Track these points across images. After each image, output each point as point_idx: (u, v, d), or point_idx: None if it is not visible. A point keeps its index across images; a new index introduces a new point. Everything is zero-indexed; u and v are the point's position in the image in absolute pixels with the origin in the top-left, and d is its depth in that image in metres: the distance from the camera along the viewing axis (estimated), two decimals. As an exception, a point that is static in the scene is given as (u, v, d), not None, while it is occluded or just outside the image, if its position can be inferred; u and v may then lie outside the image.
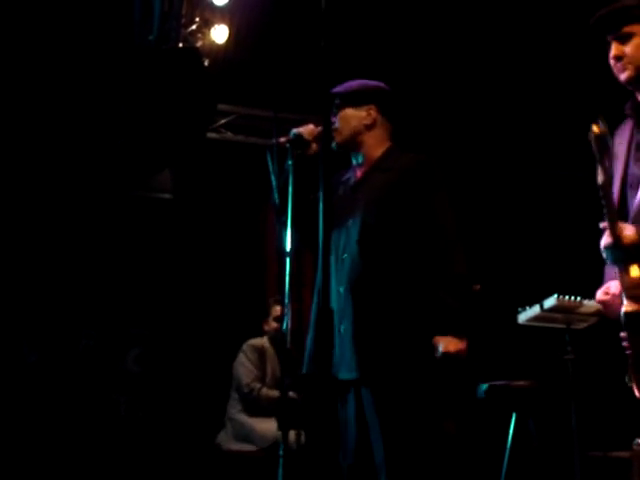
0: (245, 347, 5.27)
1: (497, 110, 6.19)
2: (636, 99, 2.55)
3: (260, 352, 5.22)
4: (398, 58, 5.51)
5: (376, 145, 3.13)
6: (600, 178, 2.33)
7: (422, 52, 5.57)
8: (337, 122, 3.12)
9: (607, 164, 2.36)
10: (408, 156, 3.09)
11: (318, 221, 2.96)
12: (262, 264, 6.30)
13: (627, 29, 2.50)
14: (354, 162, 3.19)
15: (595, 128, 2.35)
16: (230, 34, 5.33)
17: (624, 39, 2.50)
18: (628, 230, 2.32)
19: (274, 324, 5.21)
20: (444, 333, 2.77)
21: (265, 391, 5.05)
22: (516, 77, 5.80)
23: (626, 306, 2.31)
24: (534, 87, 5.87)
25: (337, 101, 3.14)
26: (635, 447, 5.61)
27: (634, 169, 2.49)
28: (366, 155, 3.13)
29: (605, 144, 2.36)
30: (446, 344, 2.76)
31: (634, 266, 2.32)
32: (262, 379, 5.14)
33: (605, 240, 2.34)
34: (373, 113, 3.12)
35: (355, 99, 3.13)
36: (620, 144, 2.58)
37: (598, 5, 2.60)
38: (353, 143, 3.13)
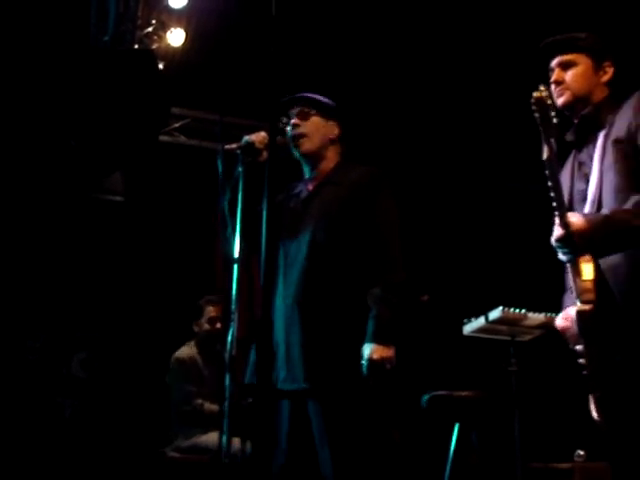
0: (174, 362, 5.07)
1: (445, 122, 6.25)
2: (573, 123, 2.65)
3: (190, 365, 5.02)
4: (347, 67, 5.54)
5: (332, 160, 3.16)
6: (545, 154, 2.41)
7: (370, 61, 5.60)
8: (305, 127, 3.11)
9: (551, 138, 2.44)
10: (358, 169, 3.12)
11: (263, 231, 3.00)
12: (212, 270, 6.26)
13: (570, 57, 2.63)
14: (306, 174, 3.20)
15: (536, 93, 2.45)
16: (187, 37, 5.31)
17: (566, 66, 2.63)
18: (575, 217, 2.37)
19: (207, 325, 5.05)
20: (372, 341, 2.80)
21: (207, 406, 4.88)
22: (464, 88, 5.86)
23: (578, 307, 2.36)
24: (481, 99, 5.94)
25: (306, 107, 3.14)
26: (576, 458, 5.72)
27: (578, 185, 2.57)
28: (321, 168, 3.15)
29: (547, 111, 2.43)
30: (372, 351, 2.78)
31: (587, 266, 2.36)
32: (200, 393, 4.95)
33: (555, 233, 2.38)
34: (337, 130, 3.17)
35: (326, 110, 3.16)
36: (565, 168, 2.68)
37: (548, 30, 2.70)
38: (317, 154, 3.14)
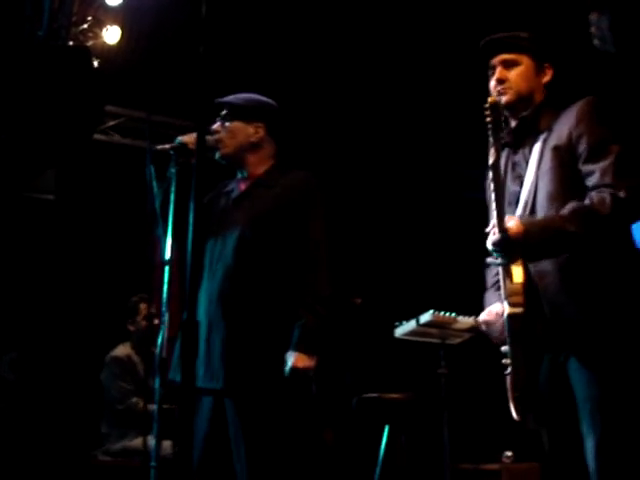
0: (109, 361, 5.01)
1: (377, 128, 6.31)
2: (510, 124, 2.65)
3: (126, 363, 4.97)
4: (280, 68, 5.55)
5: (259, 164, 3.13)
6: (492, 158, 2.43)
7: (305, 65, 5.62)
8: (223, 133, 3.10)
9: (500, 143, 2.48)
10: (291, 173, 3.10)
11: (202, 230, 2.99)
12: (145, 271, 6.18)
13: (514, 56, 2.62)
14: (238, 175, 3.19)
15: (491, 98, 2.49)
16: (122, 35, 5.25)
17: (509, 65, 2.62)
18: (512, 222, 2.37)
19: (144, 322, 5.01)
20: (296, 349, 2.81)
21: (143, 405, 4.86)
22: (401, 92, 5.91)
23: (509, 309, 2.37)
24: (419, 102, 6.00)
25: (226, 111, 3.12)
26: (504, 459, 5.82)
27: (512, 187, 2.58)
28: (250, 170, 3.13)
29: (499, 117, 2.47)
30: (295, 359, 2.79)
31: (517, 269, 2.39)
32: (136, 392, 4.91)
33: (492, 236, 2.38)
34: (261, 132, 3.11)
35: (246, 113, 3.11)
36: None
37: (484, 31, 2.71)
38: (237, 159, 3.12)
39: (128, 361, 4.99)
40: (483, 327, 2.61)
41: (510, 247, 2.36)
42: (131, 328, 5.11)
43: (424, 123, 6.20)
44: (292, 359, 2.79)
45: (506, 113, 2.64)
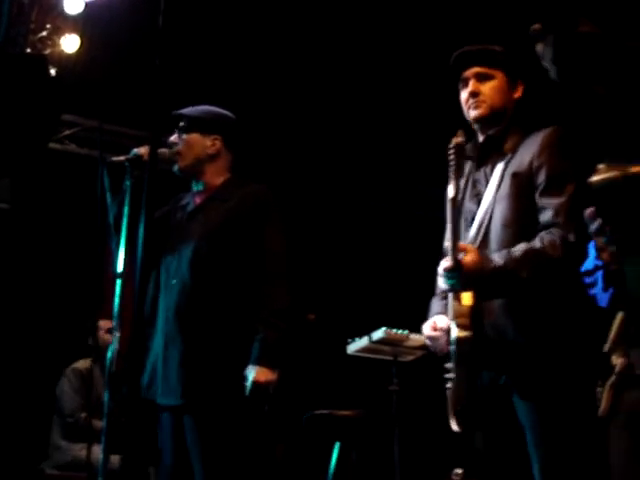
0: (68, 372, 5.00)
1: (333, 144, 6.34)
2: (477, 139, 2.67)
3: (84, 377, 4.94)
4: (238, 81, 5.56)
5: (216, 175, 3.14)
6: (451, 192, 2.45)
7: (262, 78, 5.64)
8: (180, 145, 3.10)
9: (460, 180, 2.50)
10: (247, 187, 3.12)
11: (156, 244, 2.98)
12: (99, 283, 6.12)
13: (488, 70, 2.62)
14: (194, 188, 3.18)
15: (456, 138, 2.51)
16: (81, 44, 5.22)
17: (483, 78, 2.62)
18: (468, 255, 2.38)
19: (107, 336, 5.00)
20: (257, 363, 2.81)
21: (94, 421, 4.80)
22: (348, 110, 5.94)
23: (458, 332, 2.38)
24: (366, 123, 6.04)
25: (183, 123, 3.12)
26: (454, 477, 5.87)
27: (469, 205, 2.59)
28: (206, 183, 3.13)
29: (462, 156, 2.49)
30: (256, 374, 2.79)
31: (467, 294, 2.40)
32: (87, 406, 4.84)
33: (445, 263, 2.40)
34: (218, 143, 3.13)
35: (202, 125, 3.12)
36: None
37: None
38: (194, 171, 3.12)
39: (87, 375, 4.95)
40: (427, 341, 2.64)
41: (460, 279, 2.37)
42: (91, 343, 5.09)
43: (380, 140, 6.24)
44: (253, 373, 2.79)
45: (475, 127, 2.66)
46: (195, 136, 3.11)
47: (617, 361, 1.89)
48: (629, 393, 1.89)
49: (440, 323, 2.56)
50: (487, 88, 2.61)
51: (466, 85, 2.64)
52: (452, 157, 2.49)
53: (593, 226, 1.89)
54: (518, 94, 2.66)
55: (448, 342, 2.46)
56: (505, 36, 2.78)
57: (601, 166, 1.82)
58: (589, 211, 1.87)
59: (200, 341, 2.85)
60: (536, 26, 1.75)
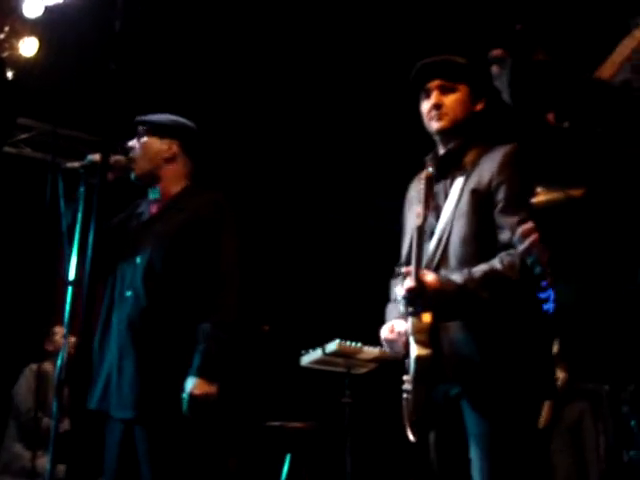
0: (26, 371, 5.00)
1: (288, 156, 6.36)
2: (437, 151, 2.67)
3: (42, 377, 4.90)
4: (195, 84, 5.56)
5: (174, 181, 3.11)
6: (419, 220, 2.46)
7: (216, 88, 5.64)
8: (137, 150, 3.08)
9: (427, 210, 2.51)
10: (203, 196, 3.09)
11: (109, 252, 2.95)
12: (53, 290, 6.04)
13: (453, 83, 2.61)
14: (150, 196, 3.16)
15: (428, 170, 2.52)
16: (40, 48, 5.16)
17: (446, 91, 2.61)
18: (430, 277, 2.38)
19: (63, 341, 4.95)
20: (195, 375, 2.77)
21: (46, 421, 4.76)
22: (305, 122, 5.97)
23: (417, 350, 2.38)
24: (322, 135, 6.07)
25: (141, 129, 3.11)
26: (405, 489, 5.83)
27: (429, 218, 2.57)
28: (163, 190, 3.11)
29: (431, 188, 2.50)
30: (193, 386, 2.76)
31: (427, 313, 2.41)
32: (43, 407, 4.85)
33: (407, 284, 2.39)
34: (174, 147, 3.11)
35: (160, 130, 3.10)
36: (414, 196, 2.70)
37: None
38: (151, 176, 3.09)
39: (45, 376, 4.95)
40: (385, 344, 2.63)
41: (421, 301, 2.38)
42: (50, 348, 5.10)
43: (334, 152, 6.27)
44: (190, 386, 2.75)
45: (436, 138, 2.66)
46: (152, 140, 3.09)
47: (559, 375, 1.93)
48: (570, 407, 1.93)
49: (398, 326, 2.55)
50: (450, 101, 2.60)
51: (428, 96, 2.63)
52: (424, 187, 2.51)
53: (522, 245, 1.93)
54: (480, 107, 2.66)
55: (406, 345, 2.47)
56: (467, 49, 2.78)
57: (539, 189, 1.86)
58: (521, 231, 1.91)
59: (153, 353, 2.81)
60: (496, 51, 1.78)
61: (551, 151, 1.96)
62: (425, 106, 2.65)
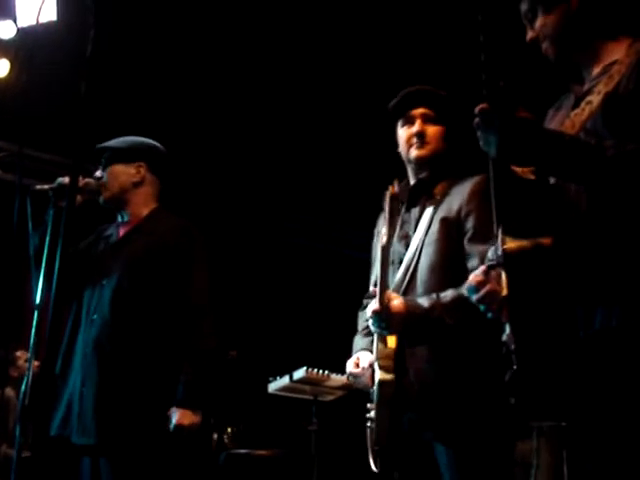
0: None
1: (257, 183, 6.37)
2: (409, 180, 2.69)
3: (4, 404, 4.86)
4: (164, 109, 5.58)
5: (143, 204, 3.11)
6: (384, 240, 2.46)
7: (182, 113, 5.67)
8: (105, 177, 3.07)
9: (392, 230, 2.52)
10: (171, 221, 3.08)
11: (75, 275, 2.92)
12: (19, 313, 5.96)
13: (436, 114, 2.62)
14: (119, 219, 3.14)
15: (392, 188, 2.53)
16: (12, 69, 5.14)
17: (430, 120, 2.61)
18: (396, 301, 2.40)
19: (26, 365, 4.88)
20: (181, 406, 2.77)
21: (4, 449, 4.69)
22: (278, 150, 6.00)
23: (380, 375, 2.39)
24: (293, 162, 6.10)
25: (106, 155, 3.11)
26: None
27: (397, 246, 2.60)
28: (132, 214, 3.10)
29: (396, 206, 2.51)
30: (180, 417, 2.75)
31: (392, 337, 2.42)
32: (3, 434, 4.78)
33: (373, 306, 2.40)
34: (142, 171, 3.11)
35: (125, 155, 3.10)
36: (383, 225, 2.67)
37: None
38: (120, 200, 3.09)
39: (5, 401, 4.85)
40: (350, 378, 2.65)
41: (387, 323, 2.39)
42: (14, 374, 5.04)
43: (301, 179, 6.29)
44: (177, 416, 2.75)
45: (410, 167, 2.66)
46: (119, 167, 3.09)
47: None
48: (522, 444, 1.93)
49: (363, 361, 2.56)
50: (433, 131, 2.61)
51: (410, 124, 2.63)
52: (387, 206, 2.52)
53: (478, 295, 1.95)
54: (451, 140, 2.67)
55: (371, 379, 2.47)
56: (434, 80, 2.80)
57: (507, 237, 1.88)
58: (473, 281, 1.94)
59: (118, 379, 2.78)
60: (482, 105, 1.80)
61: (519, 202, 1.98)
62: (405, 133, 2.65)
